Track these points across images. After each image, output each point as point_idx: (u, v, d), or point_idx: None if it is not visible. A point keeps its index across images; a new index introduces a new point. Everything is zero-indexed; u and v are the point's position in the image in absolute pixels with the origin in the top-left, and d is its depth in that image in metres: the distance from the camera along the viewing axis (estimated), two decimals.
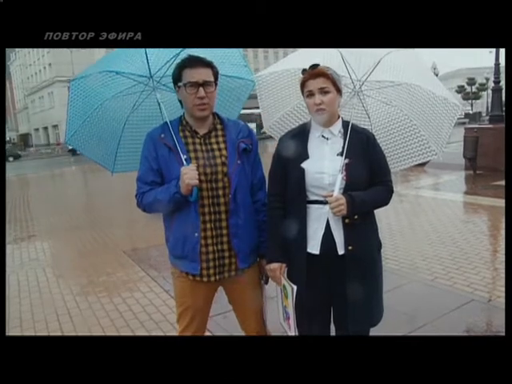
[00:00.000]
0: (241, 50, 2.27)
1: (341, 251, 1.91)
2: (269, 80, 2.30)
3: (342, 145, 1.92)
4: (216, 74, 1.96)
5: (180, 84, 1.93)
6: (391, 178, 2.03)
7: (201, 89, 1.89)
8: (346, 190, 1.87)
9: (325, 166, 1.91)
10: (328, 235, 1.91)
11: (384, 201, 2.01)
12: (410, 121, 2.22)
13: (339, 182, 1.86)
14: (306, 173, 1.90)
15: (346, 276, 1.90)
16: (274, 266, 1.99)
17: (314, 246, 1.94)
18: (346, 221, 1.88)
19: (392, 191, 2.01)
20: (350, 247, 1.89)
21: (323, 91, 1.86)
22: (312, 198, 1.92)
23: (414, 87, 2.13)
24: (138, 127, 2.34)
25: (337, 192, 1.84)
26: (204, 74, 1.91)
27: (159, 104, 2.16)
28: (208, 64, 1.93)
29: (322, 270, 1.95)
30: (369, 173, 1.93)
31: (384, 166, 2.02)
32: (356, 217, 1.88)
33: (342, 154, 1.90)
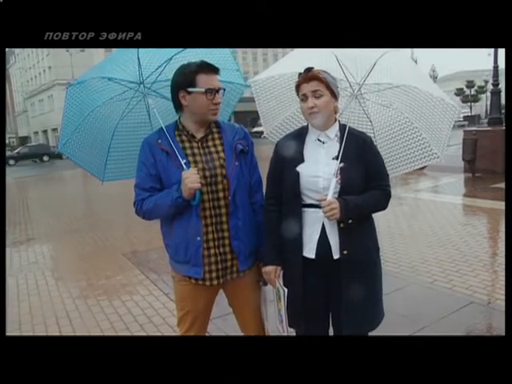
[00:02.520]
0: (233, 53, 2.27)
1: (336, 256, 1.90)
2: (266, 85, 2.29)
3: (337, 148, 1.91)
4: None
5: (193, 90, 1.90)
6: (389, 182, 2.00)
7: (217, 95, 1.93)
8: (341, 194, 1.86)
9: (319, 169, 1.90)
10: (323, 239, 1.91)
11: (381, 205, 1.98)
12: (411, 123, 2.19)
13: (333, 185, 1.84)
14: (301, 176, 1.90)
15: (342, 280, 1.89)
16: (269, 268, 2.00)
17: (309, 250, 1.93)
18: (341, 225, 1.87)
19: (389, 196, 1.98)
20: (345, 252, 1.87)
21: (316, 95, 1.86)
22: (307, 201, 1.92)
23: (412, 89, 2.11)
24: (126, 135, 2.33)
25: (330, 196, 1.83)
26: (217, 81, 1.94)
27: (148, 111, 2.16)
28: (218, 70, 1.95)
29: (319, 273, 1.94)
30: (364, 177, 1.91)
31: (381, 169, 1.99)
32: (350, 221, 1.87)
33: (337, 158, 1.88)
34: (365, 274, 1.92)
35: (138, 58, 2.09)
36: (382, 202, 1.97)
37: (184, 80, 1.91)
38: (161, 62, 2.13)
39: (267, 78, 2.27)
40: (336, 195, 1.85)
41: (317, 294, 1.96)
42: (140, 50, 2.08)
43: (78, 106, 2.20)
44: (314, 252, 1.92)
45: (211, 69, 1.92)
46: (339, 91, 1.99)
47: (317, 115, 1.88)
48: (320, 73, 1.87)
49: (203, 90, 1.90)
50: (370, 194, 1.91)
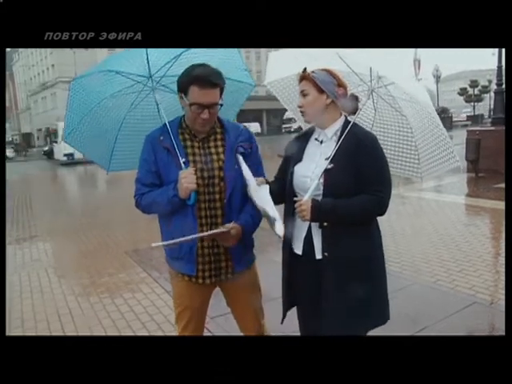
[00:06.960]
0: (242, 53, 2.27)
1: (318, 256, 1.90)
2: (284, 85, 2.29)
3: (332, 148, 1.86)
4: (222, 90, 1.91)
5: (185, 98, 1.88)
6: (385, 188, 1.84)
7: (206, 111, 1.86)
8: (326, 196, 1.83)
9: (310, 169, 1.90)
10: (309, 238, 1.92)
11: (368, 212, 1.85)
12: (435, 120, 2.04)
13: (313, 187, 1.83)
14: (294, 175, 1.93)
15: (322, 281, 1.88)
16: None
17: (298, 247, 1.97)
18: (321, 226, 1.86)
19: (381, 202, 1.83)
20: (325, 253, 1.86)
21: (303, 94, 1.90)
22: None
23: (411, 86, 2.05)
24: (134, 127, 2.35)
25: (307, 196, 1.82)
26: (211, 96, 1.85)
27: (157, 104, 2.17)
28: (217, 84, 1.86)
29: (306, 270, 1.96)
30: (354, 180, 1.81)
31: (375, 174, 1.83)
32: (326, 224, 1.84)
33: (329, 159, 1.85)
34: (349, 280, 1.84)
35: (147, 53, 2.10)
36: (370, 209, 1.84)
37: (181, 84, 1.90)
38: (169, 58, 2.14)
39: (283, 79, 2.28)
40: (320, 197, 1.84)
41: (307, 289, 1.98)
42: None
43: (83, 98, 2.21)
44: (301, 249, 1.95)
45: (208, 83, 1.83)
46: (355, 87, 1.97)
47: (303, 114, 1.93)
48: (313, 71, 1.88)
49: (188, 102, 1.86)
50: (355, 199, 1.80)
